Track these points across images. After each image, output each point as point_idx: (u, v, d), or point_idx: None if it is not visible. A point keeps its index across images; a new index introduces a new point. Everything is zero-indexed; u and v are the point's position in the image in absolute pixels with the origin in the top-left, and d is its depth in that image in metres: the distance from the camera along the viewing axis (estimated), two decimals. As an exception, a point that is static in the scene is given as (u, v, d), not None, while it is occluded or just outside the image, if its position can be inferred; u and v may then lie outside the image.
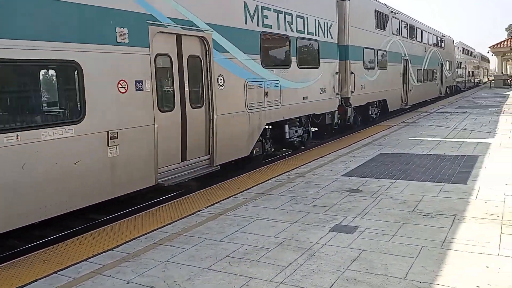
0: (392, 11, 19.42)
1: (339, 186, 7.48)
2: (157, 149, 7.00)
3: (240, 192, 7.39)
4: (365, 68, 15.69)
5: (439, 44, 30.27)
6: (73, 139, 5.72)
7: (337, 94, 13.55)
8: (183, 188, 8.60)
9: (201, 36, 8.00)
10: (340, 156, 10.31)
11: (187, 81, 7.73)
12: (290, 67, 10.91)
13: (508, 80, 47.36)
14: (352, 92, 14.39)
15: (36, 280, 4.37)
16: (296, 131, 11.78)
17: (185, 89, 7.69)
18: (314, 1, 12.44)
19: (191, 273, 4.32)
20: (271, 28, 10.21)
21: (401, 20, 20.93)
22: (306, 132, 12.40)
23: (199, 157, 8.16)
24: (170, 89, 7.50)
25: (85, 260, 4.81)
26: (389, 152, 10.54)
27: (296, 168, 9.21)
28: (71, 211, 5.98)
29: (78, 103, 5.90)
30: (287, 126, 11.23)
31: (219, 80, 8.35)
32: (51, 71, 6.02)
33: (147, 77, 6.81)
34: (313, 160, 9.96)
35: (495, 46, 46.93)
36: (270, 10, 10.18)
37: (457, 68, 39.80)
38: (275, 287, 3.95)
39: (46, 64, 5.67)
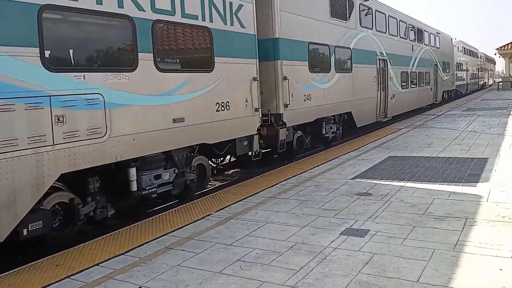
0: None
1: (349, 189, 7.46)
2: None
3: (249, 196, 7.39)
4: (312, 72, 11.49)
5: (433, 43, 26.30)
6: None
7: (256, 110, 9.17)
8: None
9: None
10: (348, 160, 10.29)
11: None
12: (134, 69, 6.47)
13: None
14: (286, 105, 10.16)
15: (49, 285, 4.40)
16: (159, 178, 7.24)
17: None
18: None
19: (202, 277, 4.33)
20: None
21: (376, 10, 16.45)
22: (179, 178, 7.64)
23: None
24: None
25: (97, 264, 4.83)
26: (398, 155, 10.50)
27: (304, 172, 9.20)
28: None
29: None
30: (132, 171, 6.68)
31: None
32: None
33: None
34: (321, 164, 9.95)
35: (503, 48, 46.66)
36: None
37: (457, 70, 35.63)
38: (288, 290, 3.95)
39: None
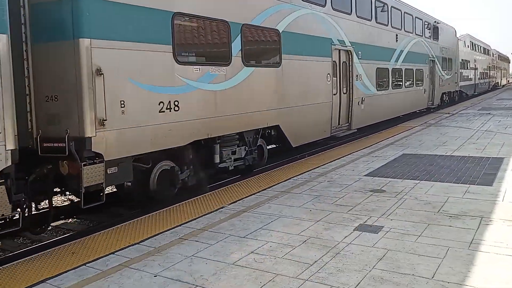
0: None
1: (362, 186, 7.44)
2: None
3: (262, 190, 7.41)
4: (183, 63, 7.23)
5: (430, 34, 21.89)
6: None
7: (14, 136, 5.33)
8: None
9: None
10: (361, 156, 10.25)
11: None
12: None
13: None
14: (102, 123, 5.91)
15: (65, 272, 4.46)
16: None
17: None
18: None
19: (217, 268, 4.36)
20: None
21: None
22: None
23: None
24: None
25: (113, 253, 4.89)
26: (412, 152, 10.43)
27: (318, 167, 9.19)
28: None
29: None
30: None
31: None
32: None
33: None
34: (334, 160, 9.93)
35: (520, 47, 46.07)
36: None
37: (462, 68, 30.91)
38: (301, 284, 3.96)
39: None
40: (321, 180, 7.97)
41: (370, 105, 14.44)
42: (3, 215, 5.09)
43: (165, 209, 6.56)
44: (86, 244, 5.24)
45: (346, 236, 5.10)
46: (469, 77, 34.25)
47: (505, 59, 66.09)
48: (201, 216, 6.12)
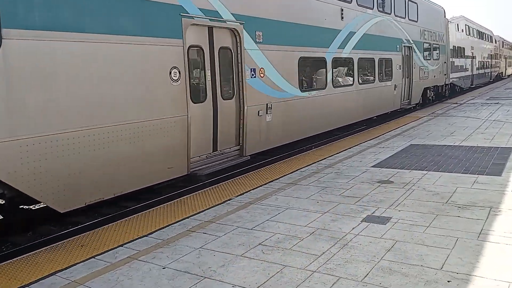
0: None
1: (369, 177, 7.41)
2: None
3: (269, 182, 7.41)
4: None
5: (402, 12, 16.94)
6: None
7: None
8: (212, 176, 8.67)
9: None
10: (369, 147, 10.20)
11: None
12: None
13: None
14: None
15: (75, 264, 4.50)
16: None
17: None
18: None
19: (225, 260, 4.37)
20: None
21: None
22: None
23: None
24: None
25: (121, 245, 4.92)
26: (420, 143, 10.37)
27: (324, 159, 9.17)
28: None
29: None
30: None
31: None
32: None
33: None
34: (341, 151, 9.89)
35: (528, 36, 45.34)
36: None
37: (455, 56, 25.98)
38: (310, 275, 3.97)
39: None
40: (328, 172, 7.95)
41: (287, 115, 9.95)
42: None
43: (172, 201, 6.59)
44: (95, 237, 5.28)
45: (354, 228, 5.09)
46: (464, 67, 28.80)
47: (510, 46, 59.45)
48: (209, 208, 6.13)
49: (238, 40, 8.62)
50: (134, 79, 6.52)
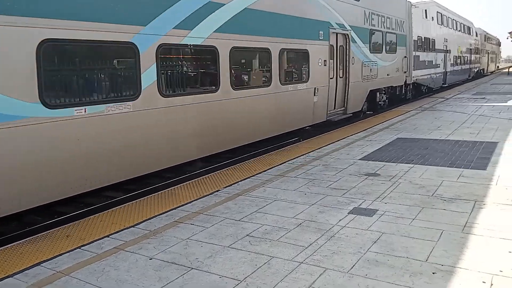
0: None
1: (357, 169, 7.45)
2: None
3: (257, 174, 7.41)
4: None
5: None
6: None
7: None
8: (197, 168, 8.65)
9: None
10: (356, 140, 10.26)
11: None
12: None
13: None
14: None
15: (60, 255, 4.45)
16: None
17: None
18: None
19: (212, 251, 4.37)
20: None
21: None
22: None
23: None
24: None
25: (107, 236, 4.88)
26: (407, 137, 10.45)
27: (313, 151, 9.19)
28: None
29: None
30: None
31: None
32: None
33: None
34: (329, 144, 9.93)
35: (517, 31, 45.70)
36: None
37: (422, 50, 21.03)
38: (297, 266, 3.98)
39: None
40: (316, 164, 7.97)
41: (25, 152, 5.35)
42: None
43: (159, 192, 6.55)
44: (81, 228, 5.23)
45: (340, 219, 5.12)
46: (435, 63, 23.72)
47: (494, 41, 54.24)
48: (196, 199, 6.11)
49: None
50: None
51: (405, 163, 7.78)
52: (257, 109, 9.44)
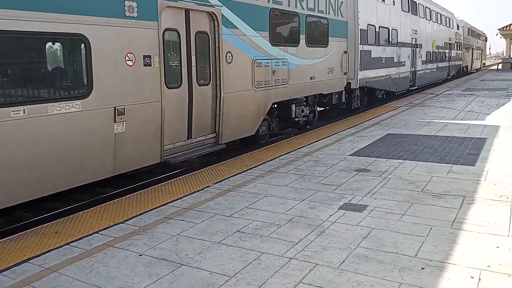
0: None
1: (347, 165, 7.47)
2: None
3: (248, 170, 7.40)
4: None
5: None
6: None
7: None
8: (189, 164, 8.61)
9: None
10: (347, 136, 10.28)
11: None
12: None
13: None
14: None
15: (49, 251, 4.41)
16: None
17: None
18: None
19: (202, 247, 4.36)
20: None
21: None
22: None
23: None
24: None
25: (97, 232, 4.84)
26: (397, 132, 10.50)
27: (303, 147, 9.20)
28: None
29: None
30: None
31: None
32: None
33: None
34: (320, 140, 9.94)
35: (505, 29, 46.24)
36: None
37: (374, 43, 15.54)
38: (287, 262, 3.99)
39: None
40: (307, 160, 7.98)
41: None
42: None
43: (149, 188, 6.52)
44: (70, 224, 5.18)
45: (331, 215, 5.13)
46: (397, 60, 18.42)
47: (479, 35, 48.46)
48: (187, 195, 6.09)
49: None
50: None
51: (395, 159, 7.82)
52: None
